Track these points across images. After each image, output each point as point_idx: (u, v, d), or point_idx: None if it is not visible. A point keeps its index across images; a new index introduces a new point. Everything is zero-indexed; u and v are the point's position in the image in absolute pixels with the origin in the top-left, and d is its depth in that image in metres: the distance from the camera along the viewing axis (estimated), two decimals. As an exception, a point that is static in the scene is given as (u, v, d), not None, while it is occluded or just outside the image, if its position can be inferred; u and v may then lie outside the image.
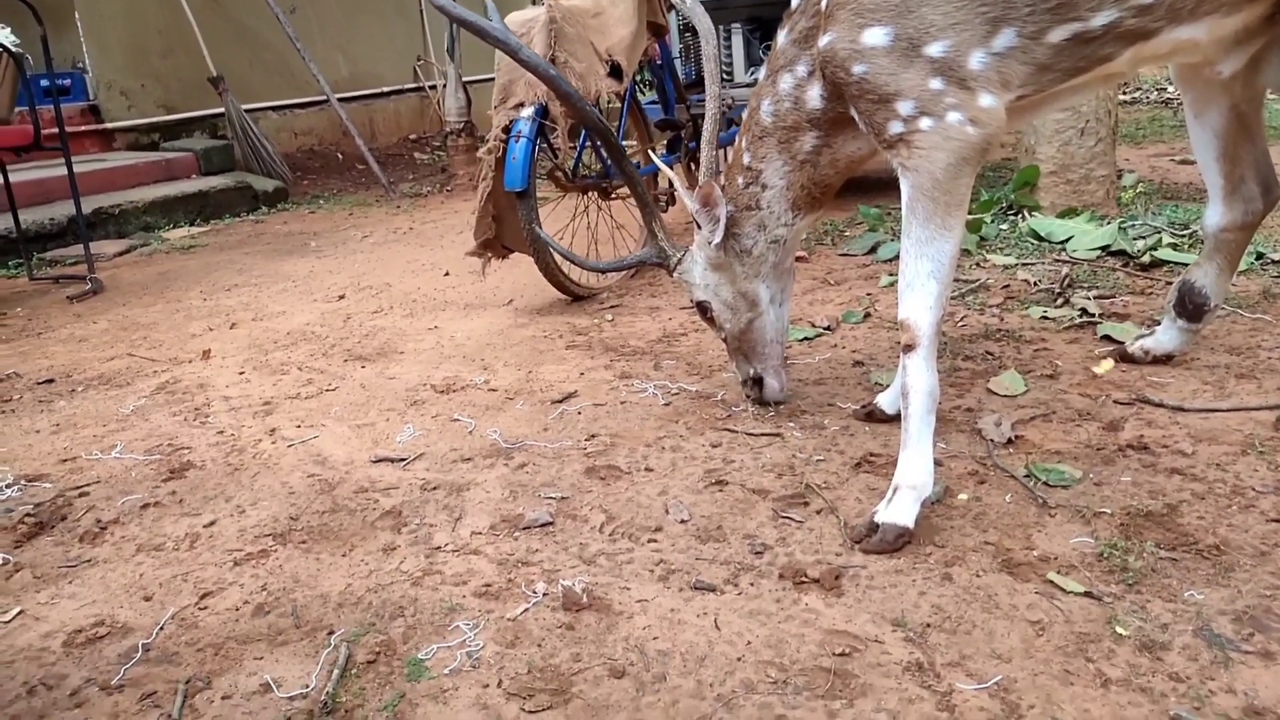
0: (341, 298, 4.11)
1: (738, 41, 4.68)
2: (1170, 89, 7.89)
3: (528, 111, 3.34)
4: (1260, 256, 3.33)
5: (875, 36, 1.87)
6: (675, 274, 2.50)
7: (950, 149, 1.86)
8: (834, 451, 2.30)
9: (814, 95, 2.10)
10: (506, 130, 3.38)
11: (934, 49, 1.84)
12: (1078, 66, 1.91)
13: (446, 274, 4.37)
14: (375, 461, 2.46)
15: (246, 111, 7.05)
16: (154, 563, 2.04)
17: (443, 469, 2.39)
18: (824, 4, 1.99)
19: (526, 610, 1.75)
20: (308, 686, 1.59)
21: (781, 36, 2.18)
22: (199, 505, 2.29)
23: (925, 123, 1.86)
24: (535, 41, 3.30)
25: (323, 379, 3.11)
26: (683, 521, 2.03)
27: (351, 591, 1.87)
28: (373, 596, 1.84)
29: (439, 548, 2.01)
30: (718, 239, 2.32)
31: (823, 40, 1.97)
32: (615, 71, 3.43)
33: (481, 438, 2.56)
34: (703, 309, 2.48)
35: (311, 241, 5.35)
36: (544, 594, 1.80)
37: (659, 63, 4.11)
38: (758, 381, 2.51)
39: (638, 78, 4.75)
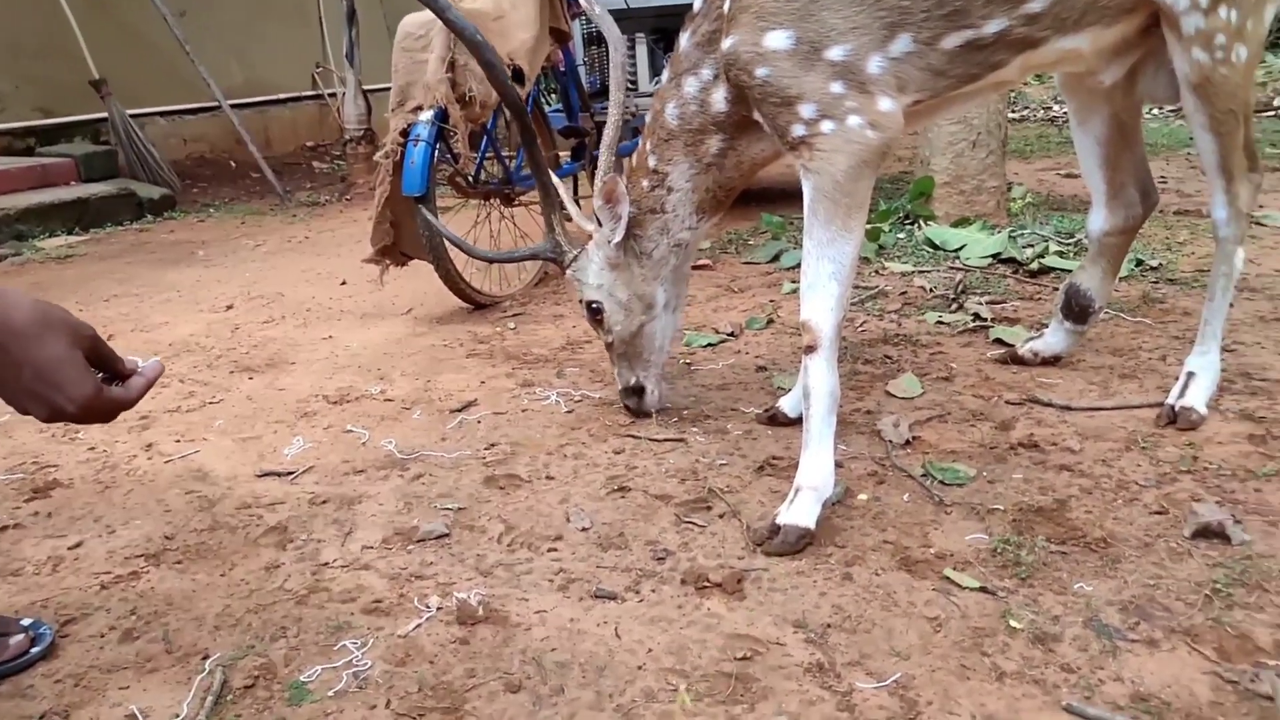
0: (230, 307, 3.93)
1: (642, 52, 4.68)
2: (1056, 108, 8.26)
3: (426, 115, 3.25)
4: (1140, 263, 3.48)
5: (777, 40, 1.87)
6: (569, 271, 2.42)
7: (850, 151, 1.87)
8: (737, 456, 2.29)
9: (719, 99, 2.08)
10: (405, 134, 3.29)
11: (834, 53, 1.85)
12: (970, 73, 1.95)
13: (343, 282, 4.23)
14: (260, 476, 2.34)
15: (132, 116, 6.71)
16: (9, 589, 1.88)
17: (333, 482, 2.28)
18: (726, 7, 1.98)
19: (418, 626, 1.67)
20: (178, 715, 1.47)
21: (684, 40, 2.15)
22: (64, 526, 2.13)
23: (826, 125, 1.87)
24: (435, 43, 3.22)
25: (206, 391, 2.95)
26: (584, 529, 1.98)
27: (230, 613, 1.75)
28: (253, 618, 1.73)
29: (326, 564, 1.91)
30: (618, 238, 2.27)
31: (726, 43, 1.96)
32: (517, 76, 3.37)
33: (375, 449, 2.46)
34: (593, 310, 2.40)
35: (199, 250, 5.11)
36: (438, 608, 1.72)
37: (562, 69, 4.07)
38: (638, 391, 2.46)
39: (542, 84, 4.71)
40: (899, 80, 1.89)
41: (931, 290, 3.44)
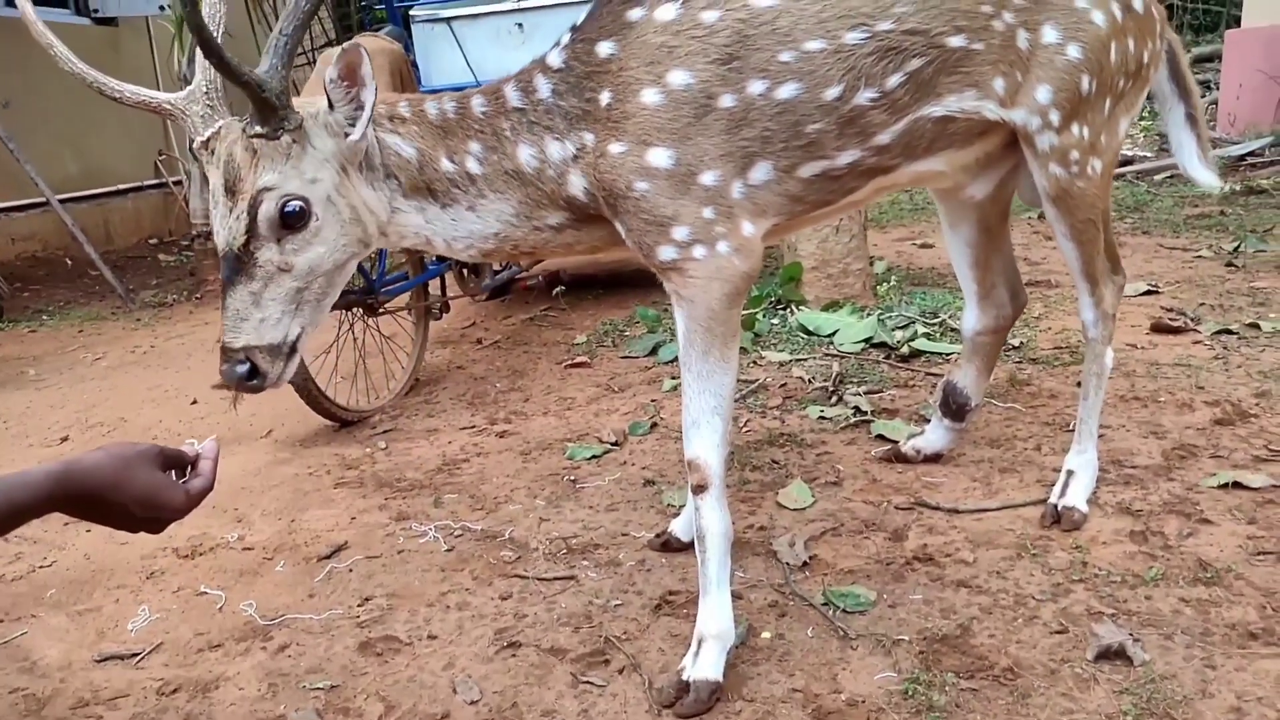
0: (65, 439, 3.57)
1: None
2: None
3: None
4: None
5: (660, 157, 1.79)
6: (242, 128, 1.67)
7: (724, 278, 1.82)
8: (632, 593, 2.18)
9: (577, 186, 1.85)
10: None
11: (707, 178, 1.80)
12: (825, 199, 1.95)
13: (194, 402, 3.92)
14: (100, 661, 2.07)
15: (-51, 218, 6.18)
16: None
17: (185, 662, 2.04)
18: (604, 100, 1.81)
19: None
20: None
21: (541, 84, 1.85)
22: None
23: (699, 251, 1.81)
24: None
25: (36, 551, 2.63)
26: (472, 702, 1.82)
27: None
28: None
29: (179, 777, 1.68)
30: (356, 135, 1.71)
31: (613, 147, 1.80)
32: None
33: (234, 614, 2.22)
34: (287, 213, 1.66)
35: (30, 369, 4.67)
36: (311, 826, 1.53)
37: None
38: (291, 351, 1.73)
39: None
40: (757, 206, 1.87)
41: (810, 381, 3.45)
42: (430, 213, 1.86)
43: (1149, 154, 7.55)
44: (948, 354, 3.55)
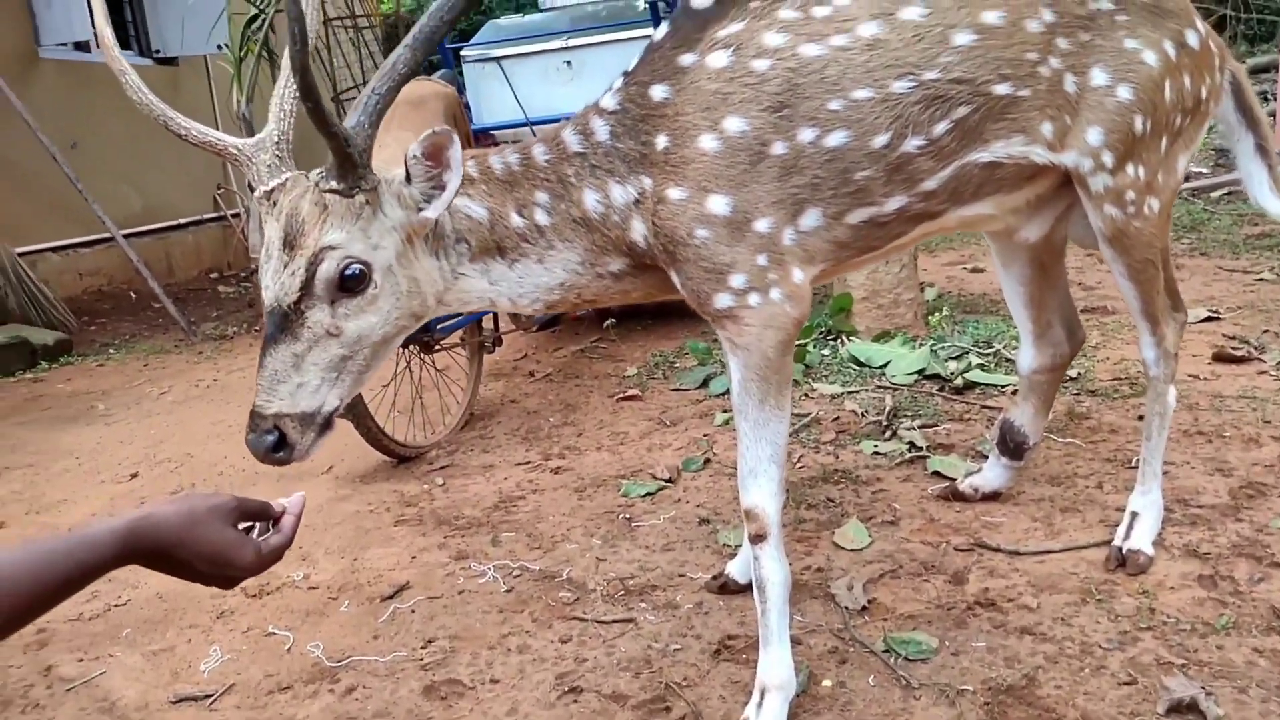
0: (134, 476, 3.69)
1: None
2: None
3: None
4: (1059, 373, 3.55)
5: (718, 204, 1.80)
6: (318, 181, 1.65)
7: (778, 325, 1.84)
8: (690, 637, 2.19)
9: (638, 231, 1.85)
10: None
11: (761, 224, 1.82)
12: (871, 245, 1.97)
13: (257, 437, 4.02)
14: (175, 702, 2.14)
15: (23, 255, 6.42)
16: None
17: (257, 705, 2.10)
18: (660, 143, 1.82)
19: None
20: None
21: (599, 124, 1.87)
22: (-53, 794, 1.90)
23: (754, 298, 1.83)
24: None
25: (111, 590, 2.72)
26: (537, 750, 1.84)
27: None
28: None
29: (254, 823, 1.72)
30: (433, 214, 1.69)
31: (672, 193, 1.81)
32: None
33: (301, 655, 2.28)
34: (347, 276, 1.62)
35: (99, 404, 4.83)
36: None
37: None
38: (325, 423, 1.66)
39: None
40: (807, 252, 1.88)
41: (863, 414, 3.44)
42: (496, 272, 1.85)
43: (1205, 170, 7.40)
44: (1003, 386, 3.52)
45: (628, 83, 1.89)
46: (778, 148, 1.81)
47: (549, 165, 1.87)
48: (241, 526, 1.28)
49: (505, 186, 1.85)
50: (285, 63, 1.70)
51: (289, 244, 1.61)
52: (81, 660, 2.36)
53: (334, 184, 1.61)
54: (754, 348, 1.84)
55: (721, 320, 1.87)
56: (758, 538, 1.85)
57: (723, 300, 1.84)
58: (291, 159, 1.69)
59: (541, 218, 1.85)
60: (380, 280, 1.66)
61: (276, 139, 1.68)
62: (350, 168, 1.60)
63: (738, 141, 1.80)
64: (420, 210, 1.69)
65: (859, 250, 1.96)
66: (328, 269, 1.60)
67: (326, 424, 1.66)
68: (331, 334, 1.63)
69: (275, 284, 1.61)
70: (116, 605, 2.63)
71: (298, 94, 1.49)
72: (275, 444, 1.60)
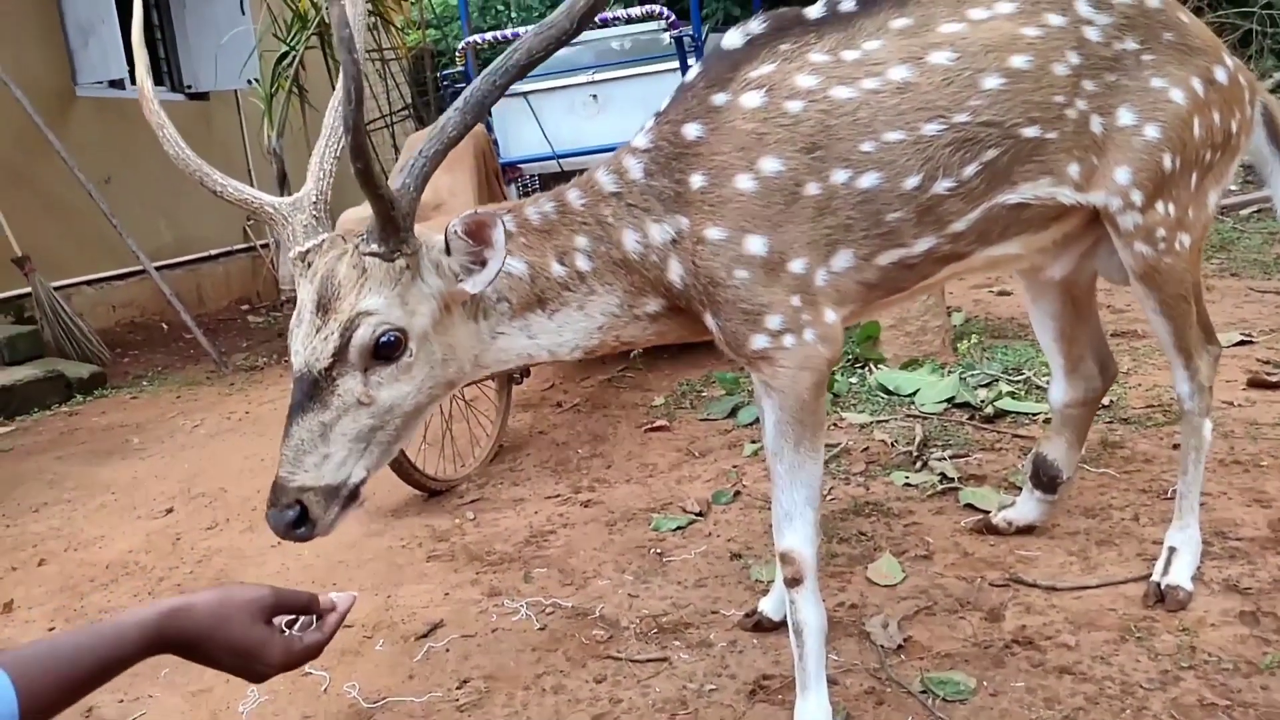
0: (170, 511, 3.74)
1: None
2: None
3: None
4: (1091, 401, 3.52)
5: (756, 245, 1.79)
6: (358, 246, 1.60)
7: (812, 367, 1.84)
8: (725, 676, 2.18)
9: (676, 271, 1.83)
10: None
11: (796, 265, 1.82)
12: (899, 286, 1.97)
13: (289, 471, 4.06)
14: (215, 744, 2.16)
15: (58, 289, 6.54)
16: None
17: (296, 747, 2.11)
18: (696, 182, 1.81)
19: None
20: None
21: (632, 163, 1.86)
22: (-6, 838, 1.92)
23: (789, 340, 1.83)
24: (373, 240, 3.18)
25: (150, 628, 2.75)
26: (574, 795, 1.84)
27: None
28: None
29: None
30: (474, 290, 1.66)
31: (710, 233, 1.79)
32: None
33: (338, 696, 2.29)
34: (383, 343, 1.58)
35: (134, 437, 4.90)
36: None
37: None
38: (350, 496, 1.61)
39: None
40: (839, 294, 1.89)
41: (893, 444, 3.43)
42: (536, 326, 1.82)
43: (1234, 186, 7.33)
44: (1034, 414, 3.49)
45: (660, 122, 1.90)
46: (812, 188, 1.81)
47: (585, 208, 1.85)
48: (282, 619, 1.25)
49: (544, 236, 1.83)
50: (327, 121, 1.72)
51: (323, 307, 1.56)
52: (122, 701, 2.39)
53: (375, 247, 1.57)
54: (789, 390, 1.84)
55: (756, 362, 1.87)
56: (794, 582, 1.85)
57: (758, 342, 1.84)
58: (328, 219, 1.67)
59: (583, 263, 1.83)
60: (416, 348, 1.62)
61: (314, 199, 1.66)
62: (393, 231, 1.56)
63: (773, 181, 1.80)
64: (459, 282, 1.65)
65: (887, 291, 1.96)
66: (363, 335, 1.56)
67: (352, 497, 1.61)
68: (363, 403, 1.57)
69: (306, 348, 1.56)
70: (155, 644, 2.66)
71: (349, 153, 1.46)
72: (297, 519, 1.55)
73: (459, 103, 1.65)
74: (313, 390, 1.55)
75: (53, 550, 3.46)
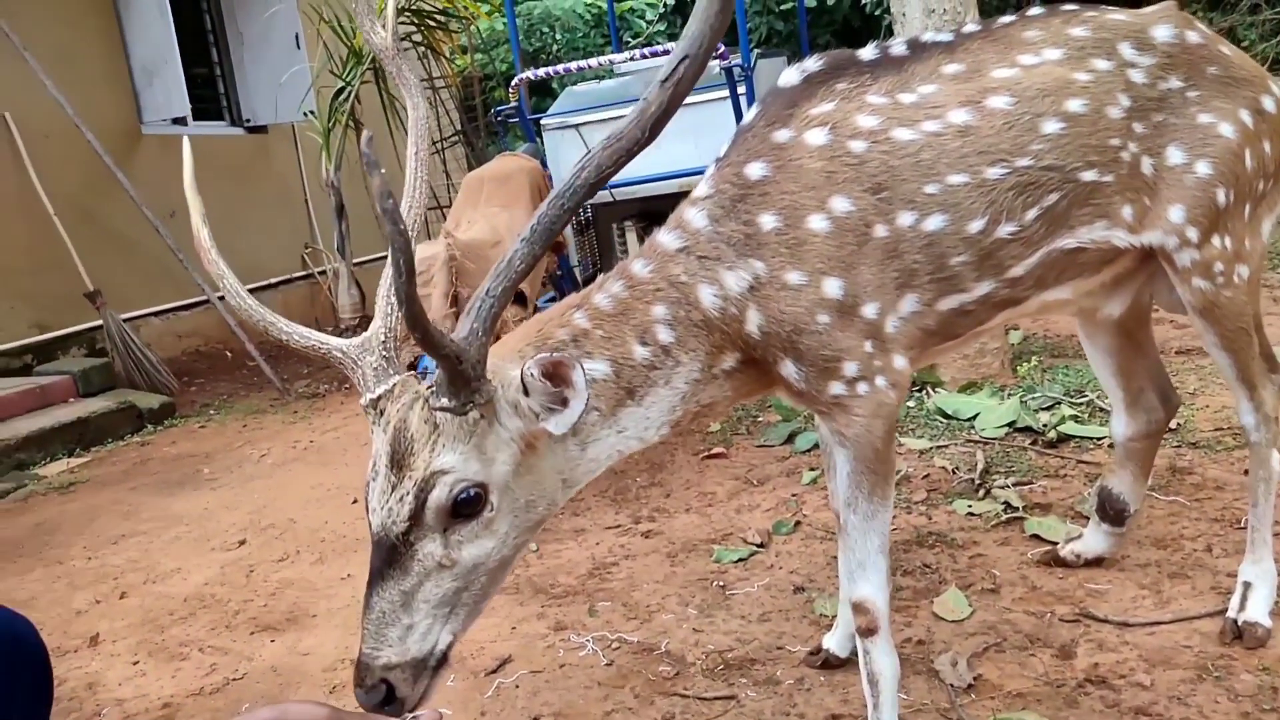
0: (242, 543, 3.85)
1: (631, 238, 4.77)
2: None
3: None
4: (1157, 424, 3.46)
5: (832, 288, 1.75)
6: (430, 399, 1.50)
7: (884, 415, 1.83)
8: (794, 715, 2.19)
9: (754, 321, 1.77)
10: (412, 366, 3.29)
11: (869, 310, 1.79)
12: (956, 332, 1.96)
13: (355, 501, 4.16)
14: (297, 781, 2.22)
15: (126, 320, 6.77)
16: None
17: (374, 785, 2.16)
18: (768, 224, 1.76)
19: None
20: None
21: (693, 213, 1.82)
22: None
23: (863, 387, 1.80)
24: (437, 278, 3.27)
25: (228, 663, 2.84)
26: (649, 837, 1.87)
27: None
28: None
29: None
30: (558, 430, 1.54)
31: (791, 277, 1.74)
32: (520, 299, 3.41)
33: (414, 733, 2.34)
34: (461, 500, 1.48)
35: (204, 467, 5.05)
36: None
37: (559, 273, 4.13)
38: (439, 663, 1.52)
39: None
40: (905, 339, 1.86)
41: (954, 471, 3.40)
42: (625, 420, 1.72)
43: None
44: (1098, 438, 3.45)
45: (720, 166, 1.86)
46: (880, 230, 1.79)
47: (654, 273, 1.78)
48: None
49: (620, 320, 1.73)
50: (389, 259, 1.52)
51: (396, 463, 1.45)
52: (206, 736, 2.47)
53: (445, 402, 1.46)
54: (863, 439, 1.83)
55: (831, 410, 1.83)
56: (868, 631, 1.86)
57: (835, 389, 1.80)
58: (399, 359, 1.58)
59: (665, 335, 1.74)
60: (497, 500, 1.52)
61: (383, 338, 1.56)
62: (464, 384, 1.45)
63: (844, 222, 1.77)
64: (540, 421, 1.53)
65: (943, 337, 1.95)
66: (439, 496, 1.45)
67: (441, 662, 1.51)
68: (444, 565, 1.47)
69: (382, 508, 1.46)
70: (234, 679, 2.75)
71: (406, 324, 1.37)
72: (384, 700, 1.44)
73: (526, 233, 1.55)
74: (391, 556, 1.45)
75: (132, 583, 3.58)
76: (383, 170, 1.27)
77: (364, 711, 1.27)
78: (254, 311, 1.64)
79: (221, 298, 7.20)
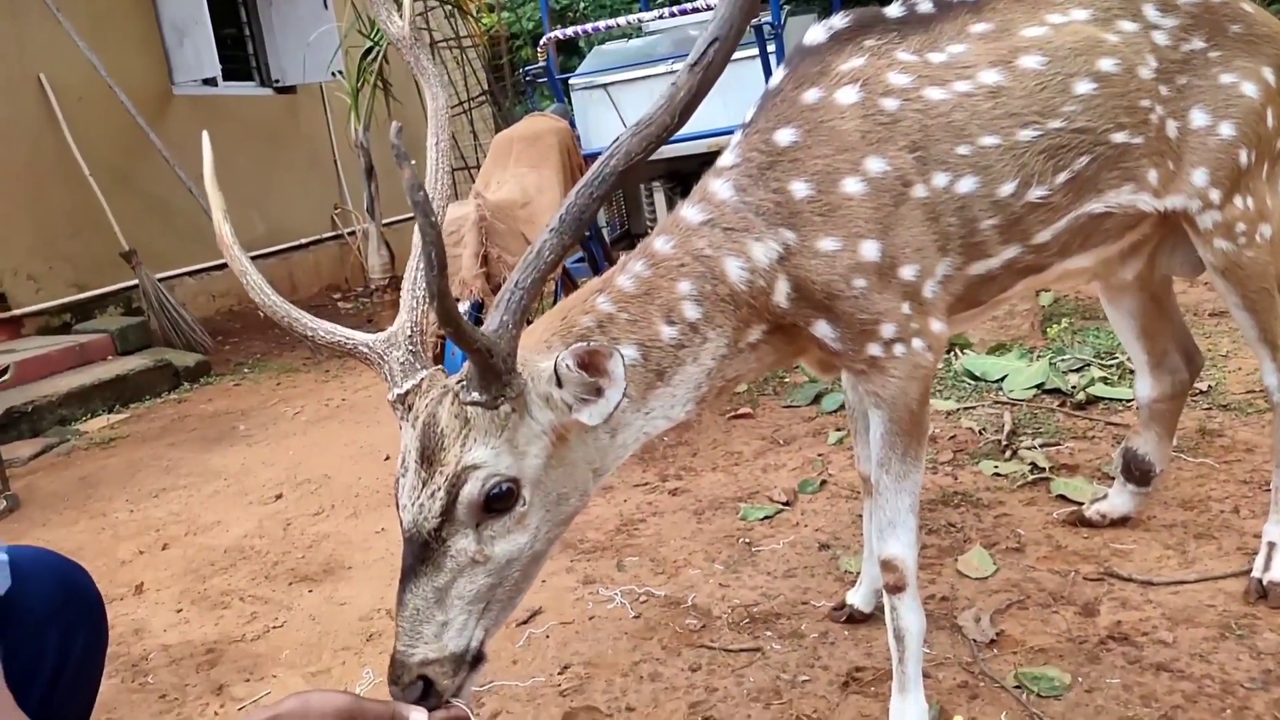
0: (279, 497, 3.94)
1: (659, 198, 4.77)
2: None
3: (463, 307, 3.31)
4: (1188, 386, 3.44)
5: (870, 250, 1.72)
6: (459, 394, 1.46)
7: (920, 377, 1.81)
8: (818, 667, 2.24)
9: (782, 291, 1.75)
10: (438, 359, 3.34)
11: (906, 271, 1.76)
12: (977, 300, 1.95)
13: (387, 458, 4.24)
14: (337, 723, 2.30)
15: (161, 280, 6.89)
16: None
17: (411, 728, 2.24)
18: (800, 191, 1.73)
19: None
20: None
21: (722, 187, 1.78)
22: (146, 807, 2.10)
23: (899, 349, 1.79)
24: (467, 239, 3.30)
25: (268, 611, 2.94)
26: (676, 780, 1.93)
27: None
28: None
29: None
30: (594, 422, 1.50)
31: (824, 244, 1.71)
32: (548, 259, 3.44)
33: (448, 680, 2.42)
34: (494, 495, 1.44)
35: (240, 424, 5.16)
36: None
37: (587, 233, 4.15)
38: (476, 659, 1.50)
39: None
40: (940, 302, 1.85)
41: (981, 432, 3.41)
42: (653, 402, 1.69)
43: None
44: (1127, 400, 3.44)
45: (747, 133, 1.82)
46: (919, 190, 1.76)
47: (678, 249, 1.73)
48: None
49: (645, 300, 1.70)
50: (415, 242, 1.55)
51: (426, 459, 1.42)
52: (249, 680, 2.57)
53: (475, 396, 1.43)
54: (899, 401, 1.82)
55: (867, 371, 1.82)
56: (896, 588, 1.89)
57: (872, 350, 1.79)
58: (426, 353, 1.54)
59: (691, 311, 1.70)
60: (530, 494, 1.48)
61: (409, 332, 1.52)
62: (494, 378, 1.42)
63: (880, 182, 1.73)
64: (573, 413, 1.50)
65: (967, 304, 1.94)
66: (471, 491, 1.42)
67: (477, 659, 1.49)
68: (478, 561, 1.45)
69: (414, 505, 1.43)
70: (275, 627, 2.84)
71: (437, 319, 1.34)
72: (422, 696, 1.42)
73: (553, 223, 1.51)
74: (423, 553, 1.43)
75: (174, 535, 3.69)
76: (413, 162, 1.24)
77: (389, 700, 1.31)
78: (278, 308, 1.62)
79: (252, 257, 7.30)
